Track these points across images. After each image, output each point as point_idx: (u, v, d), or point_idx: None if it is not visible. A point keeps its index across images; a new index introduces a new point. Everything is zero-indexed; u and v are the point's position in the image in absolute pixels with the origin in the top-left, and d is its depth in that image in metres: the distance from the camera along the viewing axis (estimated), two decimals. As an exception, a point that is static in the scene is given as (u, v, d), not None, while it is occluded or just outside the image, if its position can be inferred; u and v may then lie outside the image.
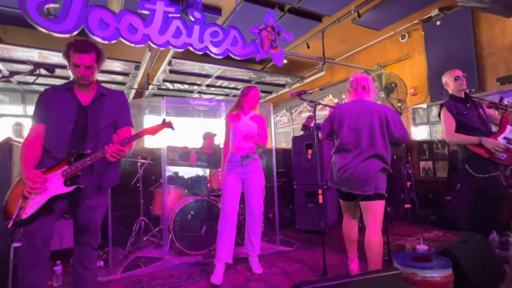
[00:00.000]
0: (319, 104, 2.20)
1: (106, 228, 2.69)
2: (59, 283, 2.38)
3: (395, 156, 4.40)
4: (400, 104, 4.68)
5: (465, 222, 3.44)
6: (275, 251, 3.12)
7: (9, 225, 1.46)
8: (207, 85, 5.57)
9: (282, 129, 8.00)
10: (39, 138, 1.65)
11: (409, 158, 4.62)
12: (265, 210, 2.81)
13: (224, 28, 3.22)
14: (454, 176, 3.95)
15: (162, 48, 3.03)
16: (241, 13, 3.65)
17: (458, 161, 2.66)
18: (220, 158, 2.70)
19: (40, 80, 4.88)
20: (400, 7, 3.95)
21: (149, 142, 4.44)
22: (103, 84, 1.85)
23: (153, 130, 1.69)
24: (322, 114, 6.06)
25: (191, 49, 3.08)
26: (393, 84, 4.56)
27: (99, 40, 2.52)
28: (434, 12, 4.14)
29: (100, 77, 4.76)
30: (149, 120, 5.38)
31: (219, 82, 5.50)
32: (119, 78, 5.12)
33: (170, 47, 3.01)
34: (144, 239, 3.29)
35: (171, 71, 4.67)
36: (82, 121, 1.68)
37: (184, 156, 3.88)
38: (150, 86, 5.18)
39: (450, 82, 2.60)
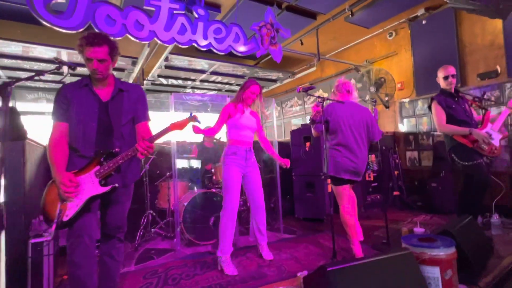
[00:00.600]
0: (327, 99, 2.35)
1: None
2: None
3: (383, 147, 4.69)
4: (387, 98, 4.97)
5: (450, 206, 3.80)
6: (280, 238, 3.28)
7: (53, 228, 1.47)
8: (201, 80, 5.60)
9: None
10: (64, 136, 1.63)
11: (396, 148, 4.94)
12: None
13: (226, 25, 3.30)
14: (439, 164, 4.27)
15: (167, 45, 3.08)
16: (240, 10, 3.72)
17: (445, 151, 2.95)
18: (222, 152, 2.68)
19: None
20: (390, 6, 4.16)
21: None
22: None
23: (180, 125, 1.68)
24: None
25: (196, 45, 3.14)
26: (382, 79, 4.83)
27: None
28: (421, 11, 4.41)
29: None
30: (152, 116, 5.31)
31: (213, 78, 5.53)
32: (114, 73, 5.02)
33: (175, 43, 3.06)
34: (152, 231, 3.36)
35: (166, 67, 4.66)
36: (104, 118, 1.67)
37: (187, 150, 3.94)
38: (145, 82, 5.14)
39: (441, 79, 2.86)
